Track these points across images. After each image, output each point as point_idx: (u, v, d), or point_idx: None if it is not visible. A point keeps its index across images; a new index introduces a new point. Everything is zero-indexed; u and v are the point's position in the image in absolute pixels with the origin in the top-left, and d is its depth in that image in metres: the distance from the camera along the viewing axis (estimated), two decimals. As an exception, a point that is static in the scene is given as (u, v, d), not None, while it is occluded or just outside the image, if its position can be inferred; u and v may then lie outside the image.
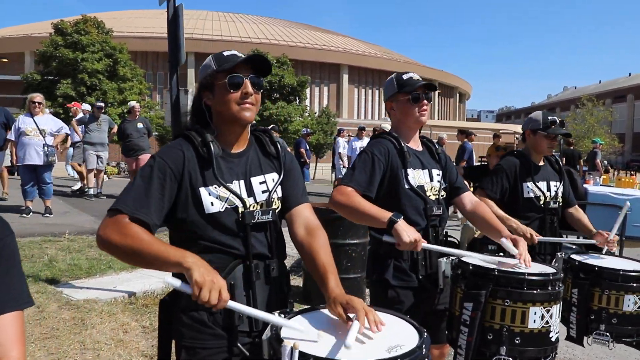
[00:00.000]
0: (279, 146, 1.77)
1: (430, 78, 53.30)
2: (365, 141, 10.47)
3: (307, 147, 11.91)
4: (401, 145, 2.29)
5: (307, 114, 24.31)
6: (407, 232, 1.98)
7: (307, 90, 30.88)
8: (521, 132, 3.59)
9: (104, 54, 20.27)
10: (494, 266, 2.04)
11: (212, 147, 1.58)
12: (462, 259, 2.12)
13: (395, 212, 2.06)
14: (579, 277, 2.50)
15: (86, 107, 11.01)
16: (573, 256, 2.65)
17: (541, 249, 2.86)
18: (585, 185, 5.26)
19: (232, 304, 1.39)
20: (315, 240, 1.69)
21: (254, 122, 1.72)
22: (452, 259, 2.18)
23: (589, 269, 2.50)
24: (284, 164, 1.75)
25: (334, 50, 49.46)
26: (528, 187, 2.94)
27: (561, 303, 2.04)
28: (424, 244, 2.06)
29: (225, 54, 1.64)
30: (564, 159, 13.76)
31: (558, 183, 3.05)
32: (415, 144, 2.41)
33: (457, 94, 62.25)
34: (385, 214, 2.05)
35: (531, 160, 3.02)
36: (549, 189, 2.98)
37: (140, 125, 9.58)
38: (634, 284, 2.37)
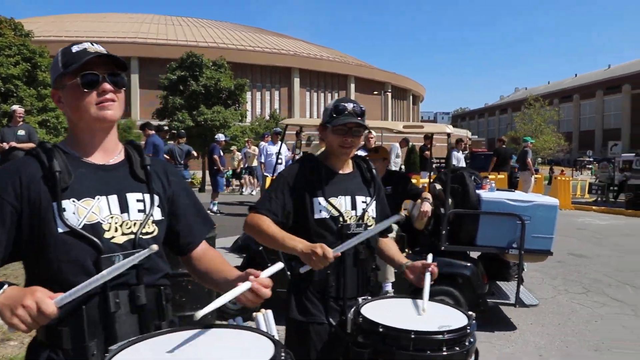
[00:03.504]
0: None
1: (384, 80, 53.37)
2: (278, 147, 9.71)
3: (221, 154, 11.06)
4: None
5: (247, 119, 23.44)
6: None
7: (249, 94, 30.06)
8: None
9: (22, 57, 18.87)
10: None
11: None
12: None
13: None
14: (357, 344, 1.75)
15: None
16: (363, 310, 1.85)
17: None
18: (479, 192, 4.60)
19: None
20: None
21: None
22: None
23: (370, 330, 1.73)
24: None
25: (285, 54, 48.68)
26: (320, 203, 2.10)
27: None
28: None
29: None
30: (496, 158, 13.46)
31: (368, 198, 2.21)
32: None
33: (411, 96, 62.43)
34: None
35: (328, 167, 2.18)
36: (354, 206, 2.16)
37: (21, 132, 8.54)
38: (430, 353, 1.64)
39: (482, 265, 5.06)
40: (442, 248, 4.67)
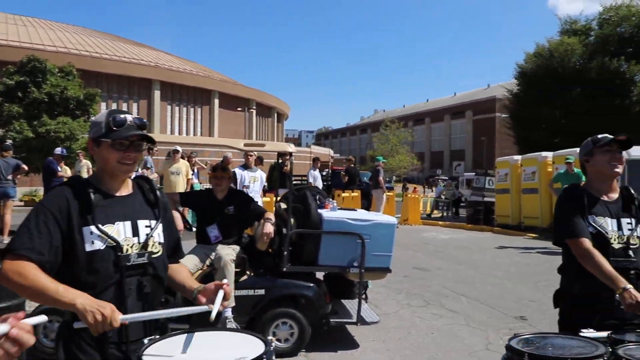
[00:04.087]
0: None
1: (248, 97, 53.30)
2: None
3: (59, 169, 9.97)
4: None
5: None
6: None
7: (104, 105, 28.09)
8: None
9: None
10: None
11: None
12: None
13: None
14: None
15: None
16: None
17: None
18: (321, 211, 4.54)
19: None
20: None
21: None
22: None
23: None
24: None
25: (145, 64, 46.44)
26: (92, 233, 1.77)
27: None
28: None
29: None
30: (347, 177, 13.97)
31: (153, 222, 1.93)
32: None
33: (276, 114, 63.14)
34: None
35: (100, 189, 1.86)
36: (135, 233, 1.86)
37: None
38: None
39: (325, 285, 5.04)
40: (284, 269, 4.55)
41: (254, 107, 52.39)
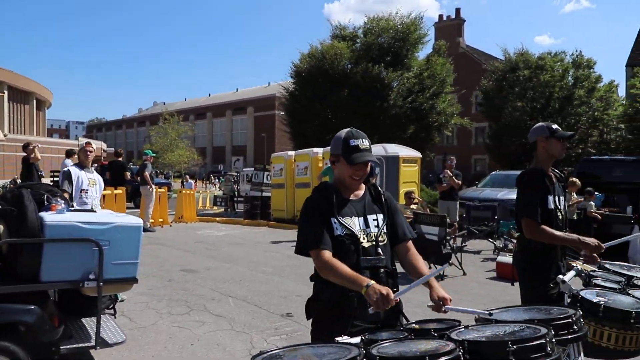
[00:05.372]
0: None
1: (-2, 80, 45.71)
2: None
3: None
4: None
5: None
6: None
7: None
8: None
9: None
10: None
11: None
12: None
13: None
14: None
15: None
16: None
17: None
18: (43, 215, 3.62)
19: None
20: None
21: None
22: None
23: None
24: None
25: None
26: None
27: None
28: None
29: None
30: (109, 172, 12.59)
31: None
32: None
33: (35, 101, 55.46)
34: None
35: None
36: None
37: None
38: None
39: (57, 303, 4.12)
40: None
41: (5, 91, 45.11)
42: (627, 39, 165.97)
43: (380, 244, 2.49)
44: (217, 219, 17.25)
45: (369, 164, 2.56)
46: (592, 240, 3.16)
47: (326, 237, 2.40)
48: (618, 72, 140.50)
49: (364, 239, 2.45)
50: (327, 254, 2.36)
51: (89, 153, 6.33)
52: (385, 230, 2.55)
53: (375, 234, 2.49)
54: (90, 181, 6.21)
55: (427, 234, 8.28)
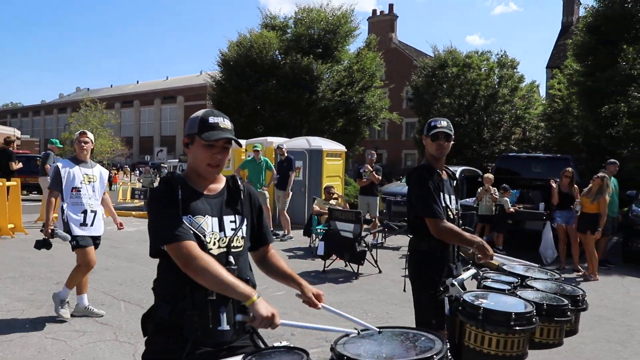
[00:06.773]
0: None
1: None
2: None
3: None
4: None
5: None
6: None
7: None
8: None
9: None
10: None
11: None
12: None
13: None
14: None
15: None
16: None
17: None
18: None
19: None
20: None
21: None
22: None
23: None
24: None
25: None
26: None
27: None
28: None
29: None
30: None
31: None
32: None
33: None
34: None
35: None
36: None
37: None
38: None
39: None
40: None
41: None
42: (549, 42, 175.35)
43: (233, 250, 2.08)
44: (134, 213, 16.31)
45: (230, 150, 2.19)
46: (489, 249, 2.94)
47: (185, 226, 1.96)
48: (539, 73, 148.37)
49: (214, 244, 2.03)
50: (192, 245, 1.93)
51: (84, 145, 5.37)
52: (243, 235, 2.14)
53: (230, 238, 2.08)
54: (86, 178, 5.36)
55: (342, 230, 7.97)
